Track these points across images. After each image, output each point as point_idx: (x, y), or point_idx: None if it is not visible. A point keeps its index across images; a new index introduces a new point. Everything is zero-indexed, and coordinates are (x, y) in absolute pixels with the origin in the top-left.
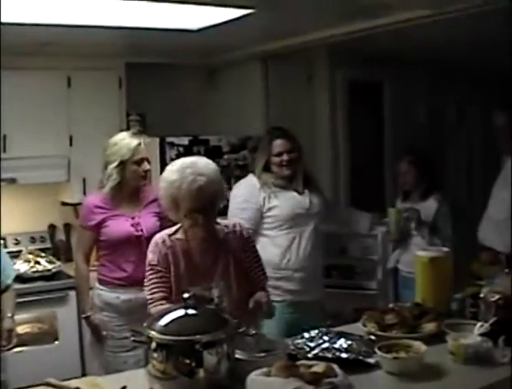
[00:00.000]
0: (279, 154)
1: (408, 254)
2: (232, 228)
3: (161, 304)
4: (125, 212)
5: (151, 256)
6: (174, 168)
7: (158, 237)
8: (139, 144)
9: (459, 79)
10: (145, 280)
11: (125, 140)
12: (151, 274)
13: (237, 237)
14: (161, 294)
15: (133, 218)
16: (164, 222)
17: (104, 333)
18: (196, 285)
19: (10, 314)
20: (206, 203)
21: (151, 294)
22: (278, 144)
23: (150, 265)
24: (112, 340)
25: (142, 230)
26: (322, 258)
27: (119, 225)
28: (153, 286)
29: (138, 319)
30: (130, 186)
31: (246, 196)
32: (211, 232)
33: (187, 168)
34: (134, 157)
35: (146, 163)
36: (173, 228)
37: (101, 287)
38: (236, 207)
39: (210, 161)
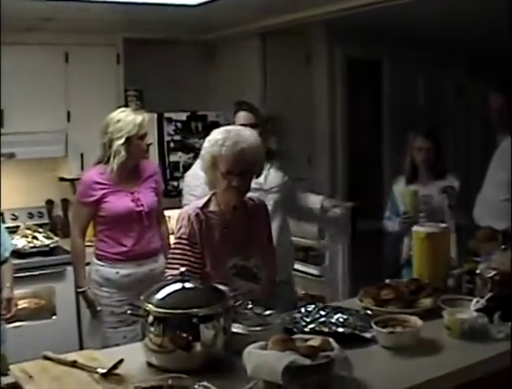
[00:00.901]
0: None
1: None
2: (256, 201)
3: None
4: (124, 188)
5: (182, 230)
6: (220, 130)
7: (190, 210)
8: (144, 119)
9: (458, 56)
10: (170, 252)
11: (130, 116)
12: (177, 248)
13: (261, 209)
14: (186, 265)
15: (132, 193)
16: (160, 197)
17: (99, 308)
18: (233, 257)
19: (8, 285)
20: (244, 167)
21: (171, 269)
22: (240, 117)
23: (179, 238)
24: (111, 316)
25: (142, 205)
26: (290, 235)
27: (120, 201)
28: (176, 261)
29: (138, 294)
30: (132, 162)
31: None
32: (241, 200)
33: (232, 132)
34: (139, 132)
35: (148, 137)
36: (203, 201)
37: (100, 262)
38: (188, 184)
39: (254, 133)
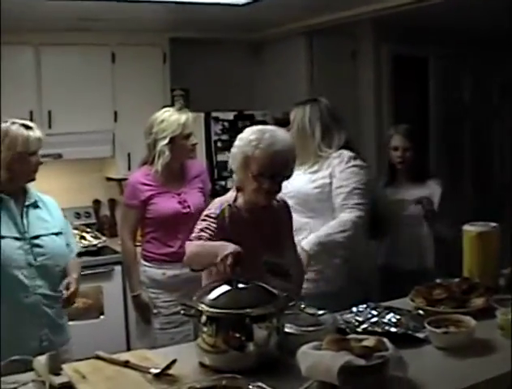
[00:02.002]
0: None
1: (398, 248)
2: (280, 201)
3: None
4: (171, 189)
5: (212, 210)
6: (254, 129)
7: (224, 200)
8: (188, 119)
9: (506, 54)
10: (195, 228)
11: (174, 116)
12: (205, 221)
13: (285, 208)
14: (206, 236)
15: (179, 194)
16: (207, 198)
17: (155, 311)
18: (265, 252)
19: (75, 276)
20: (277, 169)
21: (197, 234)
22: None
23: (207, 216)
24: (159, 317)
25: (189, 206)
26: None
27: (166, 202)
28: (202, 233)
29: (185, 295)
30: (177, 162)
31: None
32: (271, 202)
33: (267, 132)
34: (183, 132)
35: (193, 136)
36: (232, 195)
37: (147, 263)
38: None
39: (288, 133)
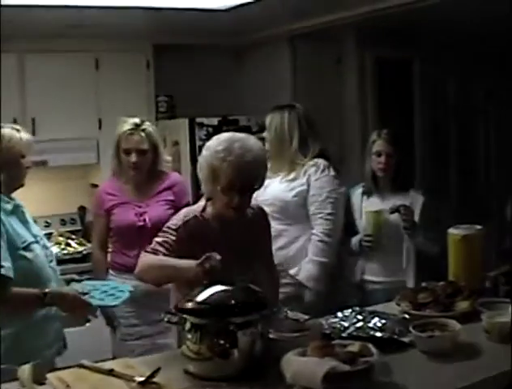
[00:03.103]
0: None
1: (376, 261)
2: (256, 209)
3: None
4: (133, 200)
5: (174, 221)
6: (222, 139)
7: (190, 211)
8: (130, 131)
9: (489, 58)
10: (154, 239)
11: (120, 125)
12: (164, 233)
13: (261, 218)
14: (162, 251)
15: (140, 206)
16: (174, 211)
17: (115, 323)
18: (236, 265)
19: None
20: (247, 182)
21: (154, 247)
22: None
23: (168, 228)
24: (120, 328)
25: (144, 219)
26: None
27: (123, 213)
28: (158, 247)
29: (145, 307)
30: (137, 174)
31: None
32: (242, 214)
33: (236, 142)
34: (122, 146)
35: (133, 154)
36: (200, 205)
37: (112, 272)
38: None
39: (258, 141)
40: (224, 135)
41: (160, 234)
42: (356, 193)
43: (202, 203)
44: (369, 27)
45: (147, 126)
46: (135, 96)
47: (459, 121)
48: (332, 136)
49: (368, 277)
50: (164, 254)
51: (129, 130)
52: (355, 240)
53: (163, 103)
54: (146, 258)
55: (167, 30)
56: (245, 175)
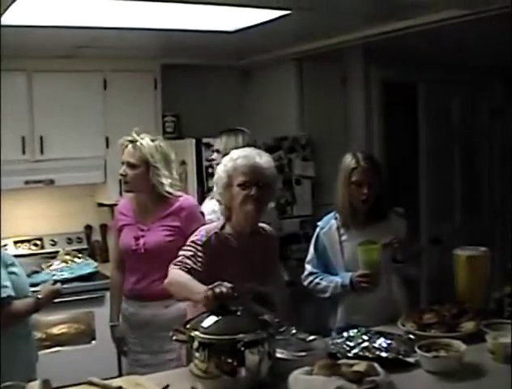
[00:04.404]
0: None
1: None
2: (268, 230)
3: (184, 270)
4: (140, 223)
5: (198, 237)
6: (236, 151)
7: (211, 228)
8: (125, 145)
9: (494, 80)
10: (180, 253)
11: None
12: (190, 247)
13: (271, 237)
14: (191, 264)
15: (142, 230)
16: (178, 237)
17: (125, 348)
18: (251, 281)
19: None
20: (260, 175)
21: (181, 260)
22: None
23: (193, 242)
24: (130, 353)
25: (138, 244)
26: None
27: (125, 235)
28: (187, 260)
29: (147, 336)
30: (139, 195)
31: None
32: (256, 227)
33: (244, 150)
34: (122, 158)
35: (124, 166)
36: (219, 223)
37: (124, 296)
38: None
39: (267, 154)
40: (238, 150)
41: (185, 248)
42: (328, 227)
43: (220, 221)
44: (374, 48)
45: (142, 140)
46: (143, 116)
47: (464, 142)
48: (338, 157)
49: (355, 317)
50: (193, 268)
51: (124, 143)
52: (340, 280)
53: (170, 123)
54: (172, 272)
55: (174, 50)
56: (257, 168)
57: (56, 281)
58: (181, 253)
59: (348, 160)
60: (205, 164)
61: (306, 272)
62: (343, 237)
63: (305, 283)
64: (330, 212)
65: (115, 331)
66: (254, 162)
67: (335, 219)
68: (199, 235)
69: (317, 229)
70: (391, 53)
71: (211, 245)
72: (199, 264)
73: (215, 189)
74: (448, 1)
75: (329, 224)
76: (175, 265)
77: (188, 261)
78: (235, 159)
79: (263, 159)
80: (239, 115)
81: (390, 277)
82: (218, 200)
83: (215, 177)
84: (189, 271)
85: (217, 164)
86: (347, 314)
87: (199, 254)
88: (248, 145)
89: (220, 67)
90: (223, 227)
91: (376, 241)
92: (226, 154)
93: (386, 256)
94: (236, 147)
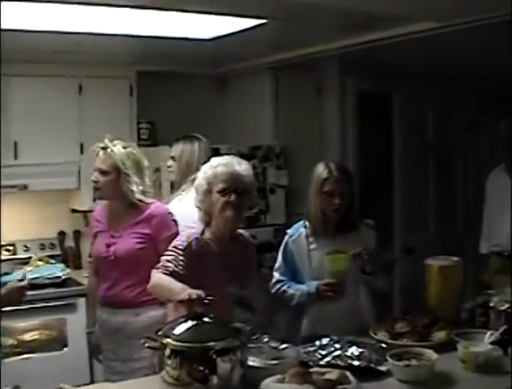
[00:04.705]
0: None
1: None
2: (245, 237)
3: (166, 273)
4: (112, 229)
5: (180, 242)
6: (215, 158)
7: (191, 233)
8: (97, 151)
9: (469, 91)
10: (162, 258)
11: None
12: (172, 252)
13: (250, 244)
14: (172, 267)
15: (113, 237)
16: (149, 245)
17: (100, 356)
18: (232, 285)
19: None
20: (239, 183)
21: (164, 264)
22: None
23: (175, 247)
24: (103, 360)
25: (109, 251)
26: None
27: (98, 242)
28: (169, 264)
29: (118, 342)
30: (112, 202)
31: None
32: (235, 233)
33: (224, 158)
34: (95, 164)
35: (96, 173)
36: (200, 228)
37: (98, 303)
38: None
39: (246, 162)
40: (217, 157)
41: (166, 253)
42: (297, 235)
43: (200, 227)
44: (350, 59)
45: (113, 146)
46: (118, 122)
47: (438, 153)
48: (312, 166)
49: (320, 327)
50: (175, 271)
51: (96, 149)
52: (306, 288)
53: (145, 130)
54: (154, 276)
55: (151, 57)
56: (236, 176)
57: (22, 279)
58: (163, 258)
59: (321, 169)
60: None
61: (274, 280)
62: (312, 246)
63: (273, 290)
64: (299, 220)
65: (91, 338)
66: (234, 170)
67: (305, 227)
68: (180, 240)
69: (286, 237)
70: (367, 63)
71: (192, 250)
72: (181, 267)
73: (195, 195)
74: (423, 13)
75: (298, 232)
76: (157, 269)
77: (169, 264)
78: (215, 166)
79: (242, 166)
80: (214, 123)
81: (357, 288)
82: (198, 207)
83: (196, 183)
84: (171, 273)
85: (172, 172)
86: (312, 323)
87: (180, 257)
88: (206, 153)
89: (196, 75)
90: (203, 232)
91: (344, 251)
92: (182, 161)
93: (355, 267)
94: (193, 154)
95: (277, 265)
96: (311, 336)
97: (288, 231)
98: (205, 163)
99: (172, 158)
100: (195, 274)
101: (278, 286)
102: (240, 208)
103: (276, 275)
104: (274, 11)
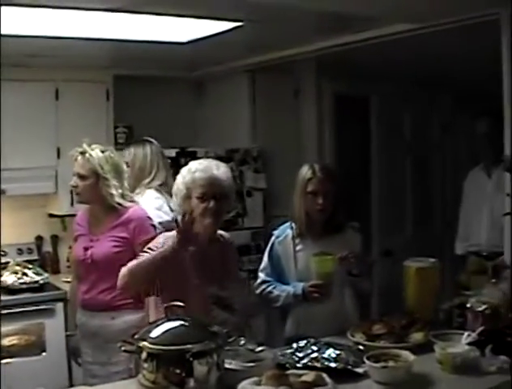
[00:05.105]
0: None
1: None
2: (226, 238)
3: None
4: (91, 233)
5: (155, 243)
6: (193, 162)
7: (168, 236)
8: (75, 156)
9: (444, 93)
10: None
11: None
12: (146, 253)
13: (230, 245)
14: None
15: (92, 240)
16: (126, 248)
17: (79, 359)
18: (211, 285)
19: None
20: (218, 189)
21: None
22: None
23: (149, 248)
24: (82, 363)
25: (87, 254)
26: None
27: (77, 246)
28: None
29: (95, 345)
30: (92, 206)
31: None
32: (215, 236)
33: (202, 163)
34: (73, 169)
35: (75, 178)
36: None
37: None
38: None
39: (225, 164)
40: (196, 161)
41: (140, 255)
42: (283, 236)
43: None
44: (327, 61)
45: (92, 151)
46: (94, 126)
47: (415, 155)
48: (289, 169)
49: (306, 328)
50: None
51: (75, 154)
52: (292, 289)
53: (122, 134)
54: (123, 269)
55: (127, 61)
56: (215, 180)
57: None
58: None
59: (305, 170)
60: None
61: (259, 280)
62: (298, 247)
63: (258, 291)
64: (285, 222)
65: (70, 341)
66: (212, 174)
67: (291, 228)
68: (155, 242)
69: (273, 238)
70: (344, 66)
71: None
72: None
73: (174, 199)
74: (399, 15)
75: (284, 233)
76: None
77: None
78: (193, 171)
79: (220, 170)
80: (191, 126)
81: (342, 289)
82: (177, 211)
83: (174, 188)
84: None
85: (128, 177)
86: (297, 324)
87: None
88: (159, 156)
89: (173, 78)
90: None
91: (331, 252)
92: (136, 166)
93: (341, 269)
94: (145, 159)
95: (262, 265)
96: (295, 337)
97: (275, 232)
98: (158, 166)
99: (126, 164)
100: (173, 275)
101: (263, 287)
102: (219, 214)
103: (262, 275)
104: (249, 14)
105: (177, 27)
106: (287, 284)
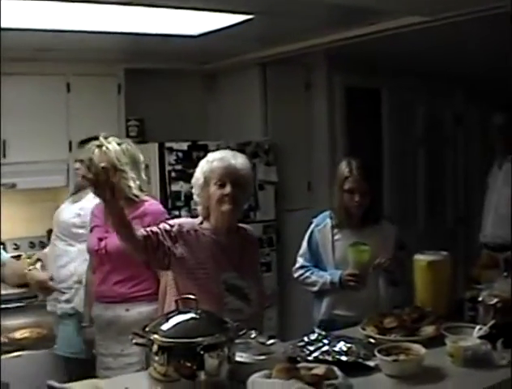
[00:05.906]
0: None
1: (351, 297)
2: (248, 231)
3: None
4: (107, 224)
5: (168, 227)
6: (213, 153)
7: (188, 221)
8: (92, 149)
9: (457, 86)
10: None
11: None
12: (159, 226)
13: (250, 236)
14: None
15: (107, 231)
16: None
17: (94, 351)
18: (225, 271)
19: None
20: (235, 177)
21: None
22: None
23: (161, 229)
24: (97, 356)
25: (100, 244)
26: None
27: (91, 237)
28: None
29: (109, 337)
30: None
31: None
32: (235, 226)
33: (221, 152)
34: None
35: (80, 165)
36: (199, 219)
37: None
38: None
39: (243, 156)
40: (214, 152)
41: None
42: (323, 225)
43: (198, 218)
44: (338, 54)
45: (108, 144)
46: (106, 120)
47: (427, 148)
48: (301, 161)
49: (339, 312)
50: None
51: (91, 147)
52: (330, 277)
53: (133, 127)
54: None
55: (138, 55)
56: (232, 169)
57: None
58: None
59: (343, 167)
60: (168, 168)
61: (298, 265)
62: (336, 237)
63: (296, 275)
64: (325, 210)
65: (85, 333)
66: (229, 163)
67: (330, 218)
68: (172, 222)
69: (312, 226)
70: (355, 58)
71: (183, 234)
72: (165, 239)
73: (193, 190)
74: (410, 8)
75: (324, 222)
76: None
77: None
78: (211, 161)
79: (238, 160)
80: (203, 119)
81: (377, 278)
82: (196, 201)
83: (193, 179)
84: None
85: (82, 177)
86: (331, 308)
87: (168, 228)
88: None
89: (184, 72)
90: (201, 222)
91: (367, 243)
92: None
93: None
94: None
95: (301, 251)
96: (329, 320)
97: (314, 220)
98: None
99: (81, 161)
100: (190, 257)
101: (301, 271)
102: (236, 201)
103: (300, 260)
104: (260, 6)
105: (188, 20)
106: (324, 270)
